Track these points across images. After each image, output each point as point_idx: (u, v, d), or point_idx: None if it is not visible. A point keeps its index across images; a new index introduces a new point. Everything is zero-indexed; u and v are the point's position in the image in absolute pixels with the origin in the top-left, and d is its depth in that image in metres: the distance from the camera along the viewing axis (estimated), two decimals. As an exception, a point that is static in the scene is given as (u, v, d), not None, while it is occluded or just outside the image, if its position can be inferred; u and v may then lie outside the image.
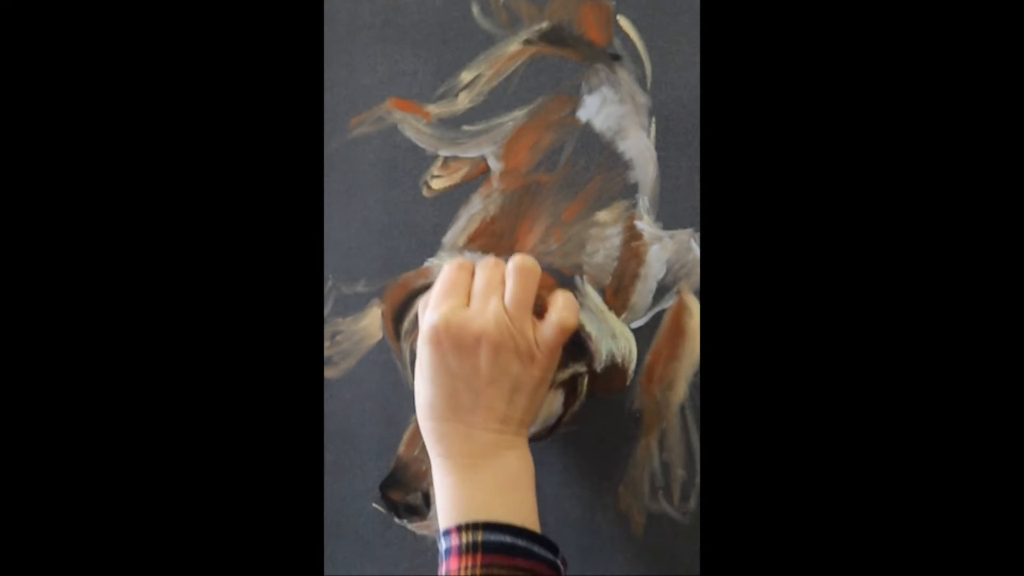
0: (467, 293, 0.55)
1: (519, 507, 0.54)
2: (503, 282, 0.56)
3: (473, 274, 0.57)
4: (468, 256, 0.63)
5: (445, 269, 0.57)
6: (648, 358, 0.61)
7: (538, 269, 0.56)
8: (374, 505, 0.65)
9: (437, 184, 0.64)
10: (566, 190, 0.62)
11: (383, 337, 0.65)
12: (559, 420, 0.62)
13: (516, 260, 0.56)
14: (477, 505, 0.53)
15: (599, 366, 0.60)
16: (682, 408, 0.61)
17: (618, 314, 0.61)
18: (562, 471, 0.63)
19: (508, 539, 0.52)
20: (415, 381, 0.56)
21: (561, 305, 0.56)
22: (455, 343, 0.53)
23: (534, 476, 0.55)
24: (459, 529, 0.52)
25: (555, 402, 0.62)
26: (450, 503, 0.54)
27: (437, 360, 0.54)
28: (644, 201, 0.62)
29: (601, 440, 0.62)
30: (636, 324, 0.61)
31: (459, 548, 0.52)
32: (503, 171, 0.63)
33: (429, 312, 0.55)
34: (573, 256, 0.62)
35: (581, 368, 0.61)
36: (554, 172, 0.63)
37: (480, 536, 0.51)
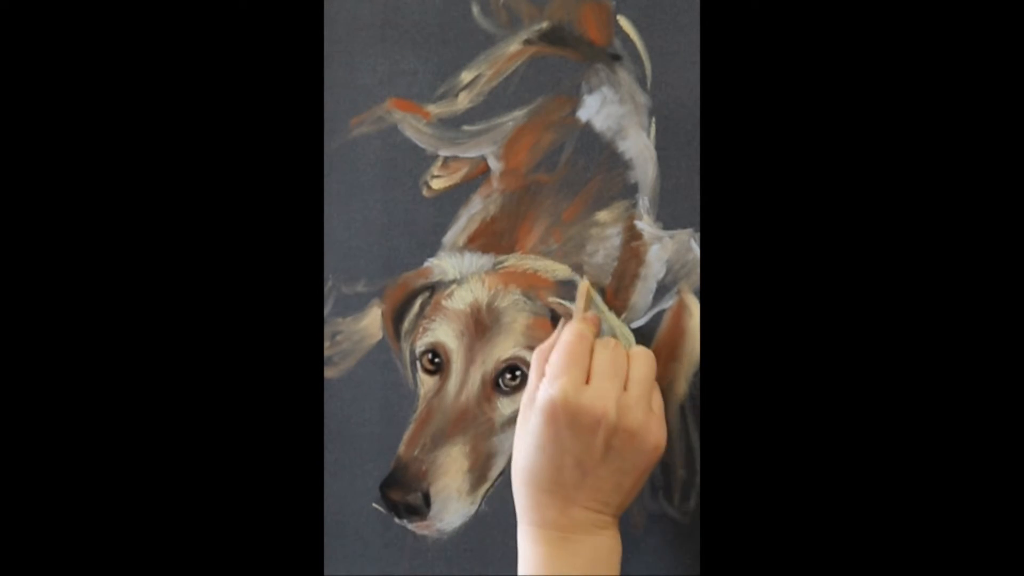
0: (587, 367, 0.54)
1: None
2: (625, 364, 0.55)
3: (591, 343, 0.55)
4: (469, 255, 0.63)
5: (565, 337, 0.55)
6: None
7: (654, 360, 0.56)
8: (374, 505, 0.65)
9: (437, 184, 0.64)
10: (566, 190, 0.62)
11: (383, 337, 0.65)
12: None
13: (638, 349, 0.56)
14: None
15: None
16: (682, 408, 0.61)
17: (618, 314, 0.61)
18: (562, 471, 0.63)
19: None
20: (517, 441, 0.55)
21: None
22: (573, 420, 0.52)
23: (620, 560, 0.55)
24: None
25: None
26: (537, 573, 0.53)
27: (551, 433, 0.53)
28: (644, 201, 0.62)
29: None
30: (636, 324, 0.61)
31: None
32: (503, 171, 0.63)
33: (548, 382, 0.53)
34: (573, 256, 0.62)
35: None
36: (554, 172, 0.63)
37: None
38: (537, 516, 0.54)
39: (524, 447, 0.54)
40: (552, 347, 0.55)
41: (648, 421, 0.53)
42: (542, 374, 0.54)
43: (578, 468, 0.52)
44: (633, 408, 0.53)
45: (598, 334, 0.58)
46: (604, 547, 0.53)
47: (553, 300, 0.61)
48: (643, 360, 0.55)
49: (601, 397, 0.52)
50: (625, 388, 0.54)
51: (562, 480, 0.53)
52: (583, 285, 0.58)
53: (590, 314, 0.57)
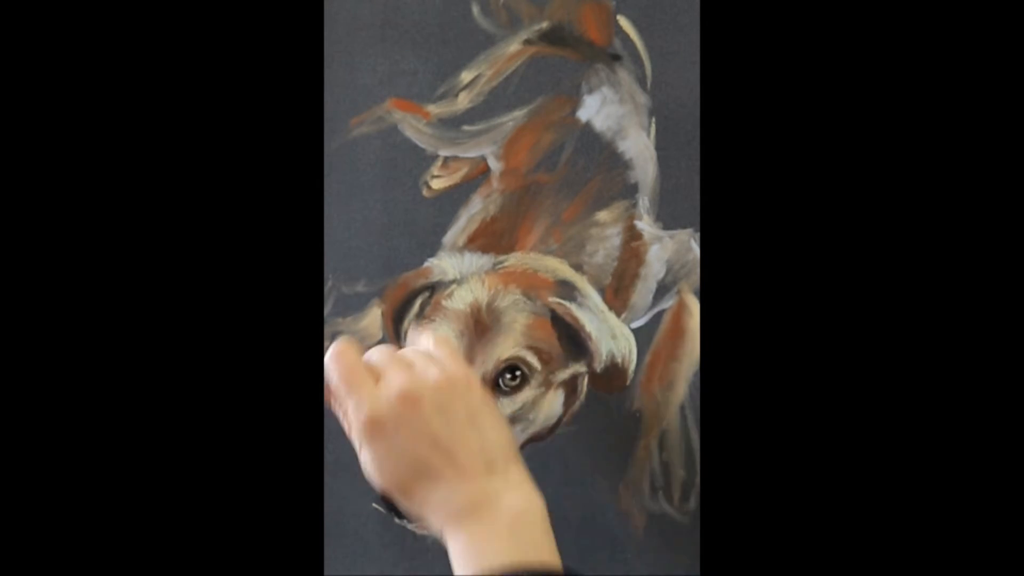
0: (365, 374, 0.51)
1: (536, 546, 0.49)
2: (393, 354, 0.51)
3: (352, 353, 0.51)
4: (469, 255, 0.63)
5: (329, 367, 0.51)
6: (648, 358, 0.61)
7: (351, 350, 0.51)
8: (374, 505, 0.65)
9: (437, 184, 0.64)
10: (566, 190, 0.62)
11: (383, 337, 0.65)
12: (559, 420, 0.62)
13: (335, 347, 0.51)
14: (492, 554, 0.48)
15: (599, 366, 0.60)
16: (682, 408, 0.61)
17: (618, 314, 0.61)
18: (562, 471, 0.63)
19: None
20: (373, 477, 0.51)
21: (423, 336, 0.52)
22: (394, 426, 0.49)
23: (544, 508, 0.50)
24: None
25: (555, 402, 0.62)
26: (466, 563, 0.48)
27: (384, 449, 0.49)
28: (644, 201, 0.62)
29: (601, 440, 0.62)
30: (636, 324, 0.61)
31: None
32: (503, 171, 0.63)
33: (352, 413, 0.50)
34: (573, 256, 0.62)
35: (581, 368, 0.61)
36: (554, 172, 0.63)
37: None
38: (436, 515, 0.49)
39: (379, 475, 0.50)
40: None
41: (436, 368, 0.50)
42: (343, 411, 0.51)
43: (436, 451, 0.48)
44: (430, 367, 0.49)
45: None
46: (516, 506, 0.49)
47: (553, 300, 0.61)
48: (344, 355, 0.51)
49: (389, 384, 0.49)
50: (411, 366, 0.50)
51: (427, 472, 0.49)
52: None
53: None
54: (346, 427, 0.51)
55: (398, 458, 0.49)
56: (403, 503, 0.50)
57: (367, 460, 0.50)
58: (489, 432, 0.50)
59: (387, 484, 0.50)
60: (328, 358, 0.51)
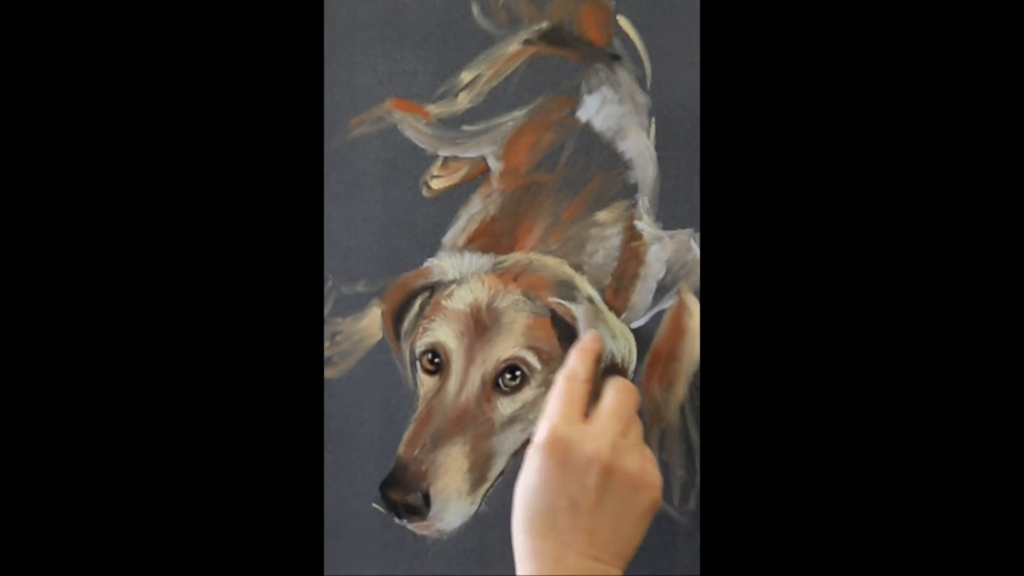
0: (582, 406, 0.53)
1: None
2: (632, 413, 0.53)
3: (588, 381, 0.54)
4: (469, 255, 0.63)
5: (558, 378, 0.54)
6: (648, 358, 0.61)
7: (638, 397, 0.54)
8: (374, 505, 0.65)
9: (437, 184, 0.64)
10: (566, 190, 0.62)
11: (383, 337, 0.65)
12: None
13: (620, 385, 0.54)
14: None
15: (599, 366, 0.60)
16: (682, 408, 0.61)
17: (618, 314, 0.61)
18: (562, 471, 0.63)
19: None
20: (518, 487, 0.53)
21: None
22: (565, 458, 0.51)
23: None
24: None
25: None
26: None
27: (544, 474, 0.51)
28: (644, 201, 0.62)
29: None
30: (636, 324, 0.61)
31: None
32: (503, 171, 0.63)
33: (542, 424, 0.53)
34: (573, 256, 0.62)
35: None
36: (554, 172, 0.63)
37: None
38: (534, 565, 0.52)
39: (520, 492, 0.53)
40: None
41: (645, 465, 0.52)
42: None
43: (572, 510, 0.51)
44: (631, 450, 0.52)
45: (600, 358, 0.57)
46: None
47: (553, 300, 0.61)
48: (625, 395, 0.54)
49: (596, 436, 0.51)
50: (624, 434, 0.52)
51: (557, 524, 0.51)
52: (586, 308, 0.58)
53: (591, 335, 0.57)
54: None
55: (541, 492, 0.51)
56: (517, 535, 0.52)
57: (525, 471, 0.52)
58: (623, 529, 0.51)
59: (519, 509, 0.52)
60: (565, 368, 0.54)
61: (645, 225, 0.62)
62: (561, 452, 0.51)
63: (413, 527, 0.64)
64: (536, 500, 0.52)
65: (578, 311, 0.58)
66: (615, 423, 0.52)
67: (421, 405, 0.63)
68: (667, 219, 0.61)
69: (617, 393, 0.54)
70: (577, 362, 0.55)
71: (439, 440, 0.62)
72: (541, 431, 0.52)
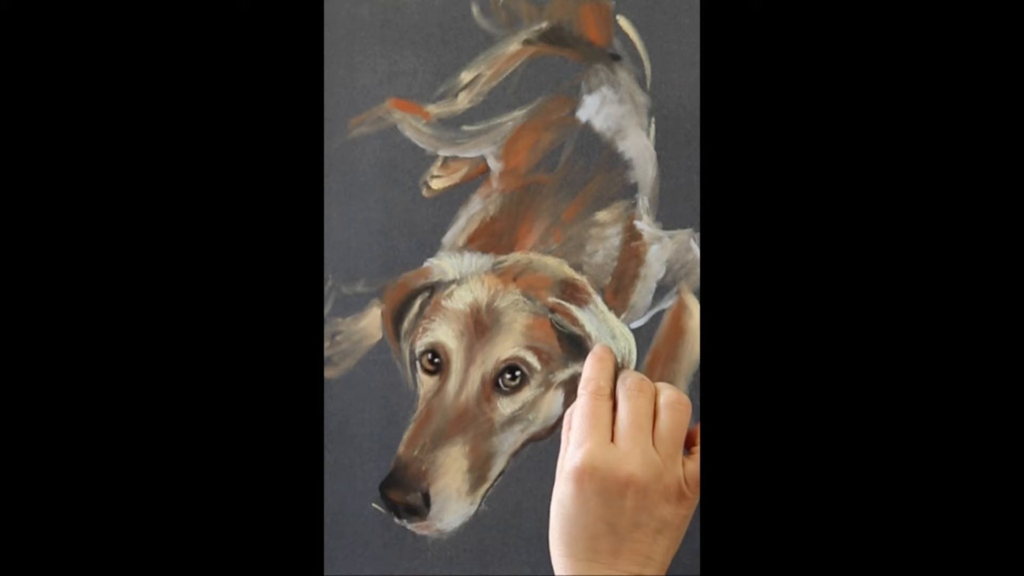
0: (610, 424, 0.53)
1: None
2: (651, 415, 0.53)
3: (612, 397, 0.54)
4: (468, 255, 0.63)
5: (583, 399, 0.54)
6: (648, 358, 0.61)
7: (690, 405, 0.54)
8: (374, 505, 0.65)
9: (437, 184, 0.64)
10: (566, 190, 0.62)
11: (383, 337, 0.65)
12: (559, 420, 0.62)
13: (670, 395, 0.53)
14: None
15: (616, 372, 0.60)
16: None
17: (618, 314, 0.61)
18: (562, 471, 0.63)
19: None
20: (553, 509, 0.53)
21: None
22: (601, 486, 0.51)
23: None
24: None
25: (555, 402, 0.62)
26: None
27: (580, 500, 0.51)
28: (644, 201, 0.62)
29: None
30: (636, 324, 0.61)
31: None
32: (503, 171, 0.63)
33: (573, 448, 0.52)
34: (573, 256, 0.62)
35: (581, 368, 0.61)
36: (554, 172, 0.63)
37: None
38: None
39: (557, 516, 0.53)
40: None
41: (677, 476, 0.52)
42: (569, 440, 0.53)
43: (613, 534, 0.51)
44: (665, 461, 0.52)
45: (615, 364, 0.57)
46: None
47: (553, 300, 0.61)
48: (675, 409, 0.53)
49: (627, 459, 0.51)
50: (653, 443, 0.52)
51: (598, 547, 0.51)
52: (600, 349, 0.57)
53: (601, 345, 0.57)
54: (561, 450, 0.54)
55: (579, 519, 0.52)
56: (557, 557, 0.53)
57: (560, 497, 0.52)
58: (664, 537, 0.52)
59: (557, 532, 0.52)
60: (588, 387, 0.54)
61: (645, 225, 0.62)
62: (598, 479, 0.51)
63: (413, 527, 0.64)
64: (575, 527, 0.52)
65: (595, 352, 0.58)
66: (641, 436, 0.52)
67: (421, 405, 0.63)
68: (667, 219, 0.61)
69: (634, 400, 0.53)
70: (599, 376, 0.55)
71: (439, 440, 0.62)
72: (575, 456, 0.52)
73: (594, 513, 0.51)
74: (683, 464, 0.53)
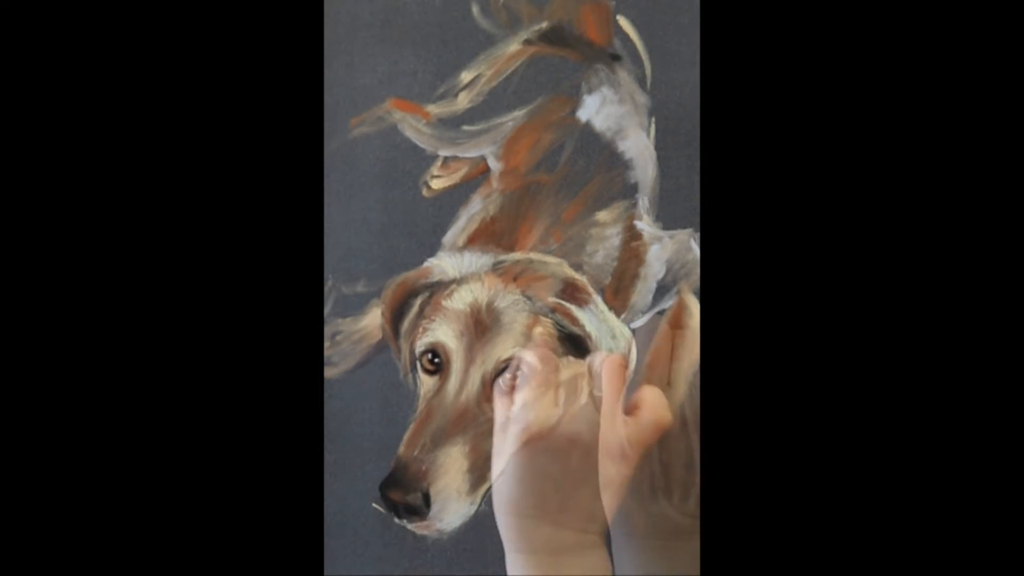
0: (556, 389, 0.56)
1: None
2: (591, 378, 0.56)
3: (558, 368, 0.57)
4: (469, 255, 0.63)
5: (529, 363, 0.56)
6: (648, 358, 0.61)
7: (627, 366, 0.56)
8: (374, 505, 0.65)
9: (437, 184, 0.64)
10: (566, 190, 0.62)
11: (383, 337, 0.65)
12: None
13: (606, 359, 0.56)
14: None
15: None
16: (682, 408, 0.61)
17: (618, 314, 0.61)
18: (562, 471, 0.63)
19: None
20: (502, 474, 0.55)
21: (654, 403, 0.56)
22: (547, 445, 0.54)
23: None
24: None
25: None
26: None
27: (528, 461, 0.54)
28: (644, 201, 0.62)
29: (601, 440, 0.62)
30: (636, 324, 0.61)
31: None
32: (503, 171, 0.63)
33: (521, 412, 0.55)
34: (573, 256, 0.62)
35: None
36: (554, 172, 0.63)
37: None
38: (525, 544, 0.54)
39: (505, 478, 0.54)
40: (513, 376, 0.56)
41: (620, 431, 0.54)
42: (509, 403, 0.56)
43: (559, 491, 0.53)
44: (606, 421, 0.54)
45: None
46: (595, 566, 0.54)
47: (553, 300, 0.61)
48: (613, 371, 0.55)
49: (572, 416, 0.54)
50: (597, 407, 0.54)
51: (545, 505, 0.53)
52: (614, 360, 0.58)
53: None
54: (498, 415, 0.56)
55: (527, 479, 0.54)
56: (503, 516, 0.54)
57: (509, 461, 0.54)
58: (608, 495, 0.54)
59: (505, 492, 0.54)
60: (536, 352, 0.57)
61: (645, 225, 0.62)
62: (544, 438, 0.53)
63: (413, 527, 0.64)
64: (522, 485, 0.54)
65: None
66: (583, 396, 0.55)
67: (421, 405, 0.63)
68: (667, 219, 0.61)
69: (573, 369, 0.56)
70: (545, 349, 0.57)
71: (439, 440, 0.62)
72: (521, 419, 0.54)
73: (542, 471, 0.53)
74: (625, 424, 0.55)
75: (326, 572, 0.65)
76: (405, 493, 0.62)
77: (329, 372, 0.65)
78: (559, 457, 0.53)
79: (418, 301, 0.64)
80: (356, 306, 0.65)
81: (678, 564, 0.60)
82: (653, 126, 0.61)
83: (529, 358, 0.56)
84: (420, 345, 0.63)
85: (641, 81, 0.61)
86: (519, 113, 0.63)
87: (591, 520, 0.54)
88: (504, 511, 0.54)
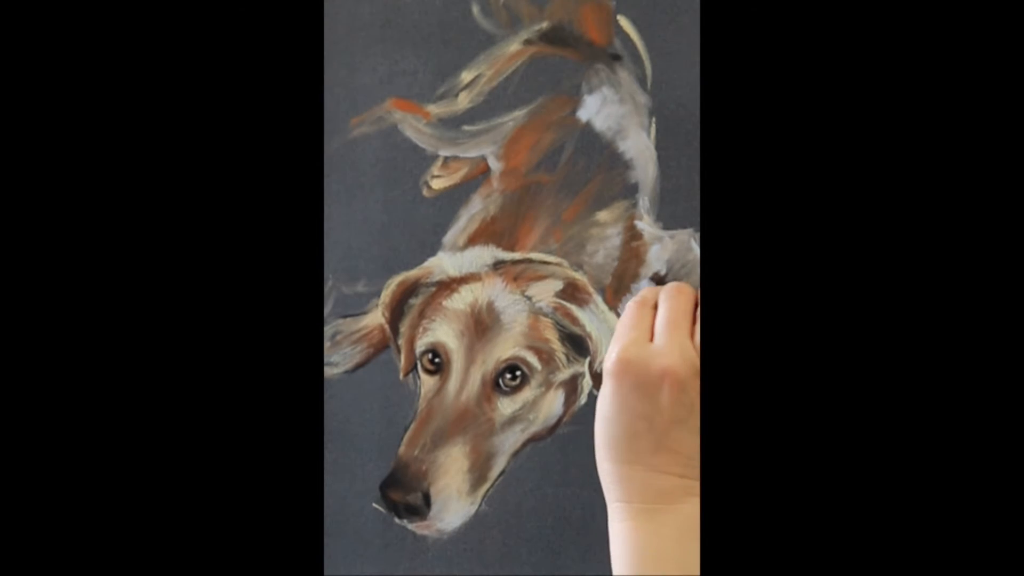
0: (650, 327, 0.51)
1: (696, 559, 0.49)
2: (689, 314, 0.52)
3: (655, 306, 0.53)
4: (468, 255, 0.63)
5: (628, 307, 0.53)
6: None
7: (696, 293, 0.53)
8: (374, 505, 0.65)
9: (437, 184, 0.64)
10: (566, 190, 0.62)
11: (383, 337, 0.65)
12: (559, 420, 0.62)
13: (674, 285, 0.53)
14: (655, 554, 0.49)
15: (599, 366, 0.60)
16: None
17: (618, 314, 0.61)
18: (562, 471, 0.63)
19: None
20: (596, 415, 0.51)
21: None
22: (636, 381, 0.50)
23: None
24: None
25: (555, 402, 0.62)
26: (627, 550, 0.50)
27: (619, 399, 0.50)
28: (644, 201, 0.62)
29: (601, 440, 0.62)
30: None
31: None
32: (503, 171, 0.63)
33: (612, 345, 0.51)
34: (573, 256, 0.62)
35: (581, 368, 0.61)
36: (554, 172, 0.63)
37: None
38: (621, 491, 0.51)
39: (599, 420, 0.51)
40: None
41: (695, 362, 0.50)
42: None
43: (652, 431, 0.49)
44: (698, 361, 0.50)
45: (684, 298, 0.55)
46: (693, 516, 0.50)
47: (553, 300, 0.61)
48: (679, 295, 0.52)
49: (662, 353, 0.50)
50: (692, 336, 0.51)
51: (638, 447, 0.50)
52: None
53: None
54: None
55: (619, 418, 0.50)
56: (601, 462, 0.51)
57: (600, 400, 0.51)
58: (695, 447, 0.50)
59: (600, 436, 0.51)
60: (632, 302, 0.53)
61: (645, 225, 0.62)
62: (632, 374, 0.50)
63: (413, 527, 0.64)
64: (614, 426, 0.50)
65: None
66: (677, 332, 0.51)
67: (421, 405, 0.63)
68: (667, 219, 0.61)
69: (672, 300, 0.52)
70: (648, 292, 0.53)
71: (439, 440, 0.62)
72: (611, 354, 0.51)
73: (632, 409, 0.50)
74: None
75: (326, 572, 0.65)
76: (405, 493, 0.62)
77: (329, 372, 0.65)
78: (649, 394, 0.49)
79: (418, 301, 0.64)
80: (356, 306, 0.65)
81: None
82: (653, 126, 0.61)
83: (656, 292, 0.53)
84: (420, 345, 0.63)
85: (641, 81, 0.61)
86: (519, 113, 0.63)
87: (688, 464, 0.50)
88: (601, 456, 0.51)
